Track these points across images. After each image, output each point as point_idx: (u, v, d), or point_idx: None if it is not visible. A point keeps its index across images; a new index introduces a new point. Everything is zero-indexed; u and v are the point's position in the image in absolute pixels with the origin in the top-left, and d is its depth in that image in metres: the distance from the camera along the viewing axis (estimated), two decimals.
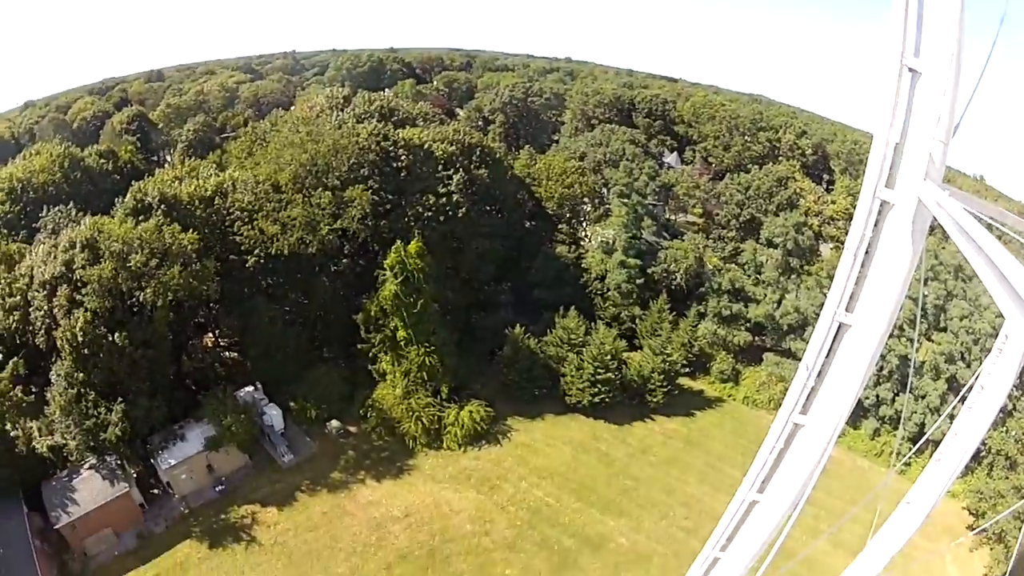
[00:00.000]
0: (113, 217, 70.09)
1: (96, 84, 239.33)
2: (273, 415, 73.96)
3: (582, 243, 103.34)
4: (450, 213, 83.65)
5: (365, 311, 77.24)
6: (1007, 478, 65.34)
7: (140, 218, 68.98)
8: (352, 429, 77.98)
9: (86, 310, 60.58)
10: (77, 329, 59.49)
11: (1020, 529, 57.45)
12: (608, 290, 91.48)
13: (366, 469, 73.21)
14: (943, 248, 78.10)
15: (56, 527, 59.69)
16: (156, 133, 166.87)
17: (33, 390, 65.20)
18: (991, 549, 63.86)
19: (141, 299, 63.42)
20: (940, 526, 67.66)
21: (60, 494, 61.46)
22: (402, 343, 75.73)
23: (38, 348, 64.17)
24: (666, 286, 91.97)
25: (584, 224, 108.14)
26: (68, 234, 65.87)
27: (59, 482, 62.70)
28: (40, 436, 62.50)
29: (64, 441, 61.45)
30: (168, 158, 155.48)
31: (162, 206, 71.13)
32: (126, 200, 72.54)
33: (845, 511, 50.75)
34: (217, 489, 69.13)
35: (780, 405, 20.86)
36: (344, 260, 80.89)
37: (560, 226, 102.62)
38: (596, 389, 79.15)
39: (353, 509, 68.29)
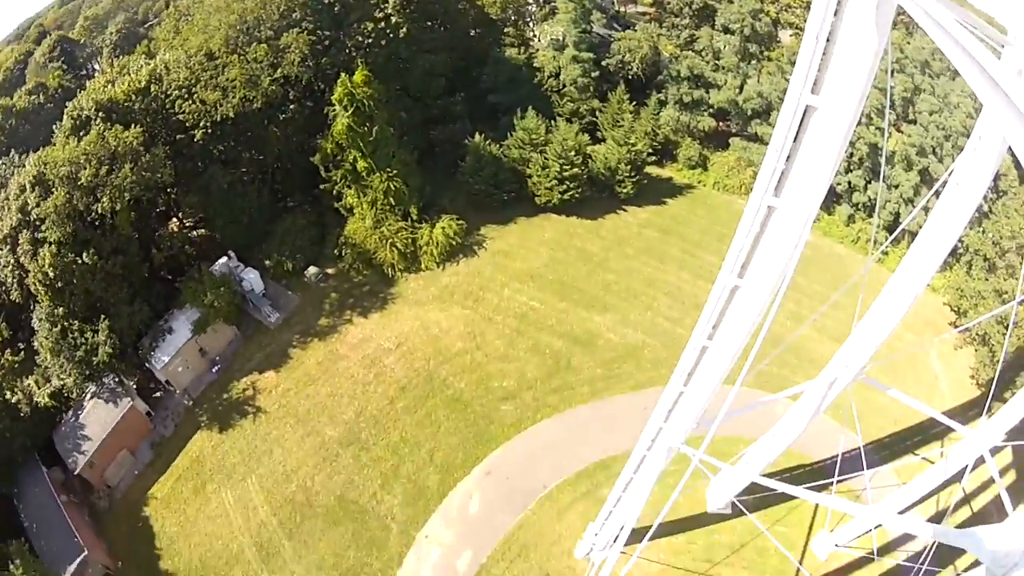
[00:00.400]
0: (56, 145, 67.59)
1: (13, 33, 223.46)
2: (251, 279, 73.55)
3: (532, 44, 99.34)
4: (391, 36, 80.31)
5: (321, 151, 75.38)
6: (987, 279, 66.05)
7: (81, 134, 66.52)
8: (330, 271, 77.88)
9: (49, 244, 59.62)
10: (47, 266, 58.70)
11: (1004, 334, 58.29)
12: (564, 87, 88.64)
13: (351, 308, 73.73)
14: (908, 43, 75.30)
15: (76, 473, 60.61)
16: (80, 49, 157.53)
17: (21, 347, 65.11)
18: (976, 351, 65.31)
19: (99, 210, 62.07)
20: (922, 320, 69.29)
21: (71, 437, 62.13)
22: (363, 173, 74.34)
23: (15, 304, 63.84)
24: (623, 77, 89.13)
25: (531, 25, 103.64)
26: (16, 180, 64.19)
27: (67, 426, 63.20)
28: (39, 389, 62.36)
29: (62, 382, 61.33)
30: (97, 67, 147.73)
31: (99, 114, 68.37)
32: (63, 123, 70.03)
33: (827, 297, 51.65)
34: (214, 370, 69.87)
35: (751, 189, 20.45)
36: (291, 106, 78.40)
37: (507, 30, 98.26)
38: (564, 186, 78.31)
39: (346, 351, 69.41)
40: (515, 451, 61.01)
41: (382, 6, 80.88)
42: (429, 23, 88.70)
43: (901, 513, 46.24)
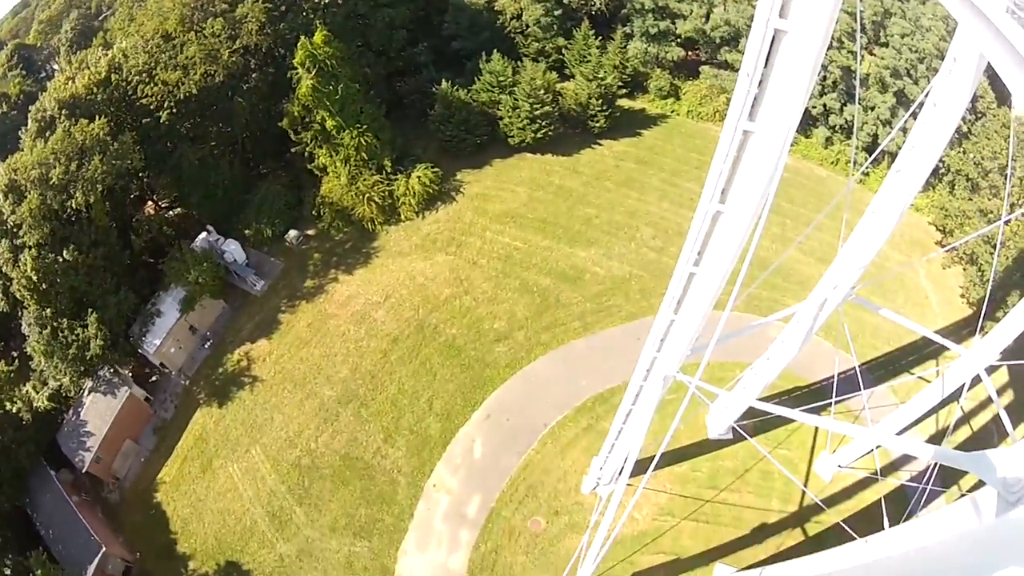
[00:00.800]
0: (24, 150, 66.71)
1: None
2: (232, 250, 73.16)
3: None
4: None
5: (288, 115, 74.68)
6: (971, 199, 66.22)
7: (48, 135, 65.49)
8: (310, 233, 77.65)
9: (29, 248, 59.32)
10: (29, 270, 58.48)
11: (991, 253, 58.58)
12: (527, 27, 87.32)
13: (335, 267, 73.72)
14: None
15: (84, 471, 60.67)
16: (38, 53, 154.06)
17: (14, 355, 65.42)
18: (964, 270, 65.90)
19: (74, 206, 61.62)
20: (908, 239, 69.70)
21: (74, 436, 62.11)
22: (333, 132, 73.62)
23: (2, 314, 63.90)
24: (586, 13, 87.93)
25: None
26: None
27: (69, 425, 63.06)
28: (37, 393, 62.36)
29: (58, 383, 61.39)
30: (56, 67, 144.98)
31: (63, 111, 67.26)
32: (29, 127, 69.09)
33: (811, 219, 51.88)
34: (206, 346, 69.85)
35: (726, 116, 20.43)
36: (254, 75, 77.70)
37: None
38: (537, 125, 77.67)
39: (335, 310, 69.55)
40: (513, 392, 61.63)
41: None
42: None
43: (900, 433, 47.07)
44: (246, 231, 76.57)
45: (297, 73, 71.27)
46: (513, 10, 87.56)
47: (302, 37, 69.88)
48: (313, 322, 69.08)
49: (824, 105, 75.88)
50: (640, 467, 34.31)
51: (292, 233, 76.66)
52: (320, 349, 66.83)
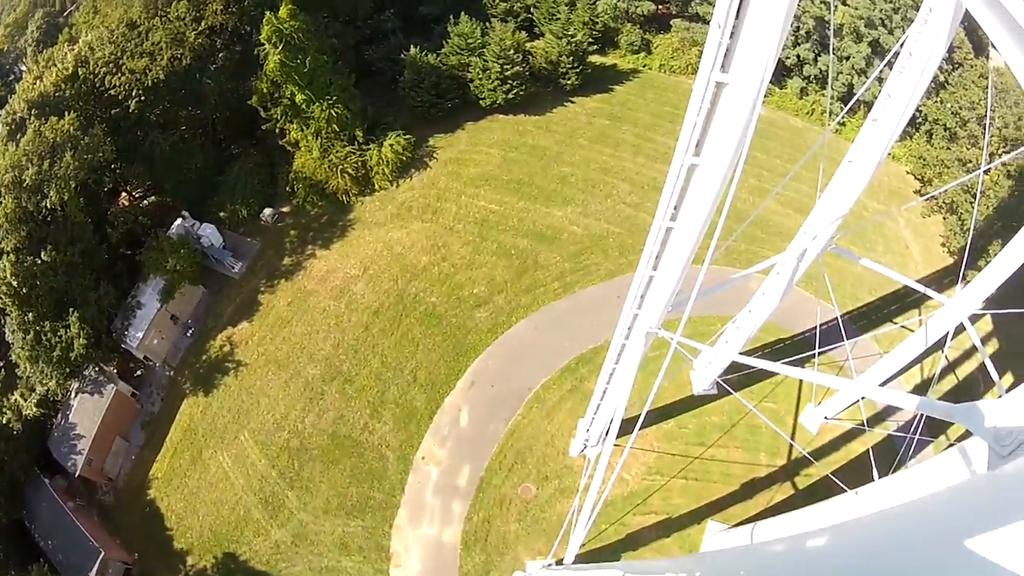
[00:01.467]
0: None
1: None
2: (208, 233, 71.83)
3: None
4: None
5: (257, 92, 73.17)
6: (949, 148, 66.01)
7: (19, 136, 63.77)
8: (285, 209, 76.40)
9: (7, 254, 57.85)
10: (9, 276, 56.96)
11: (971, 203, 58.37)
12: None
13: (311, 242, 72.67)
14: None
15: (77, 475, 59.64)
16: (5, 57, 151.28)
17: (0, 365, 63.31)
18: (944, 219, 65.70)
19: (48, 205, 60.09)
20: (887, 189, 69.44)
21: (65, 441, 60.92)
22: (303, 106, 72.11)
23: None
24: None
25: None
26: None
27: (59, 430, 61.82)
28: (25, 401, 60.82)
29: (46, 387, 59.95)
30: (24, 69, 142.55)
31: (33, 111, 65.54)
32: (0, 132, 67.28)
33: (787, 170, 51.58)
34: (188, 334, 68.77)
35: (698, 69, 19.85)
36: (221, 55, 76.88)
37: None
38: (508, 85, 76.49)
39: (314, 286, 68.67)
40: (496, 357, 61.31)
41: None
42: None
43: (884, 384, 47.03)
44: (221, 213, 75.18)
45: (264, 49, 69.86)
46: None
47: (267, 13, 68.23)
48: (293, 300, 68.18)
49: (798, 56, 75.19)
50: (627, 427, 34.00)
51: (267, 211, 75.43)
52: (302, 327, 66.00)
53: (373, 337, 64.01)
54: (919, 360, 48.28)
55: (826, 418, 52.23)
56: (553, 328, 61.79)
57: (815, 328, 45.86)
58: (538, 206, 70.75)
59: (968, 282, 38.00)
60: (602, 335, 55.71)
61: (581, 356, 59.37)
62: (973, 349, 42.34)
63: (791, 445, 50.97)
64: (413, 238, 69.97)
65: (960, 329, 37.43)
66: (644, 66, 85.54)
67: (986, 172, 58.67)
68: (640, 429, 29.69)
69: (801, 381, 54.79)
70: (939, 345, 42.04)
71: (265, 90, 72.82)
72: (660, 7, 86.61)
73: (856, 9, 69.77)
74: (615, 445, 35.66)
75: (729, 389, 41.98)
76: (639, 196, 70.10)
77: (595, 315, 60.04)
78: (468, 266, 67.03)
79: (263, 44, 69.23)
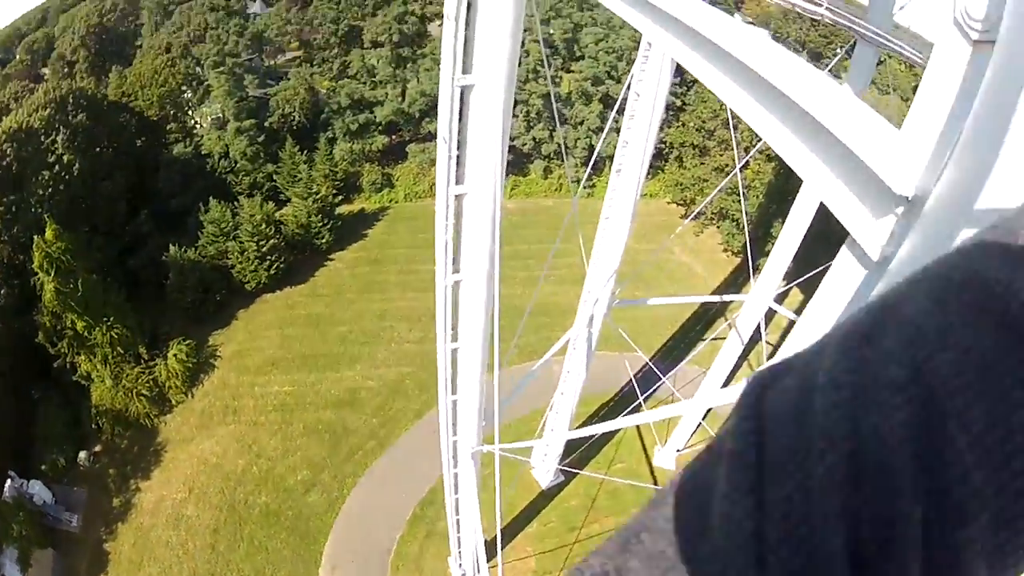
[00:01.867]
0: None
1: None
2: (37, 491, 63.39)
3: (195, 132, 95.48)
4: (67, 178, 75.36)
5: (41, 327, 68.44)
6: (703, 163, 68.61)
7: None
8: (97, 449, 69.34)
9: None
10: None
11: (738, 201, 59.12)
12: (236, 163, 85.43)
13: (131, 476, 66.00)
14: None
15: None
16: None
17: None
18: (718, 227, 68.42)
19: None
20: (653, 226, 71.84)
21: None
22: (85, 333, 67.80)
23: None
24: (288, 130, 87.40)
25: (190, 112, 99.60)
26: None
27: None
28: None
29: None
30: None
31: None
32: None
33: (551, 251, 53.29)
34: None
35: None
36: (1, 291, 72.57)
37: (169, 126, 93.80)
38: (267, 262, 75.37)
39: (149, 521, 61.84)
40: (344, 532, 57.95)
41: (52, 148, 75.91)
42: (99, 149, 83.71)
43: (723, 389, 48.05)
44: (42, 466, 67.65)
45: (39, 278, 65.88)
46: (219, 148, 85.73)
47: (36, 237, 64.56)
48: (136, 541, 61.43)
49: (533, 138, 78.24)
50: (493, 547, 33.19)
51: (82, 454, 68.23)
52: (154, 567, 59.32)
53: (223, 556, 58.88)
54: (745, 357, 49.72)
55: (678, 451, 52.97)
56: (385, 484, 59.52)
57: (631, 380, 46.71)
58: (328, 373, 69.07)
59: (760, 270, 39.29)
60: (434, 473, 54.41)
61: (423, 500, 57.37)
62: (792, 323, 44.34)
63: (656, 490, 51.28)
64: (223, 444, 66.05)
65: (772, 313, 38.97)
66: (391, 201, 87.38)
67: (745, 167, 60.85)
68: (507, 543, 28.96)
69: (639, 430, 55.52)
70: (757, 337, 43.27)
71: (48, 323, 68.36)
72: (393, 137, 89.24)
73: (580, 72, 73.36)
74: (491, 567, 34.68)
75: (574, 470, 42.10)
76: (420, 330, 70.23)
77: (419, 457, 58.52)
78: (283, 455, 63.89)
79: (38, 273, 65.36)
